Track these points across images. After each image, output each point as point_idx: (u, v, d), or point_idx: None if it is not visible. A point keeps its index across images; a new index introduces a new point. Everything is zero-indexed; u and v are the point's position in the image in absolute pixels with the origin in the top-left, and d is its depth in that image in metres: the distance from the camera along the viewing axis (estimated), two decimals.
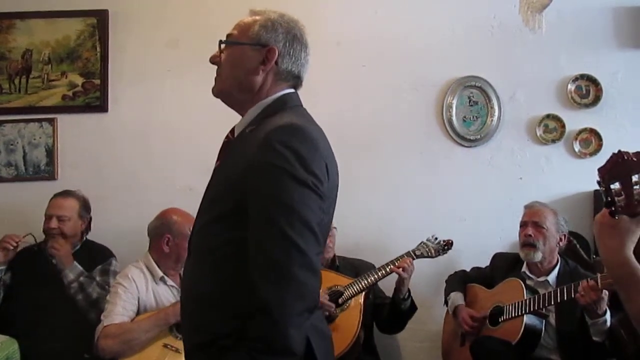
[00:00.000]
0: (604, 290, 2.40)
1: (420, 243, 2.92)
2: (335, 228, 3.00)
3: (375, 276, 2.82)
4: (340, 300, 2.78)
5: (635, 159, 1.18)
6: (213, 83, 1.55)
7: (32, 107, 3.44)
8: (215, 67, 1.56)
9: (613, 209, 1.19)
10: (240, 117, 1.54)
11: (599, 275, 2.42)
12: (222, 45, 1.52)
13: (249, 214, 1.31)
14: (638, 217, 1.19)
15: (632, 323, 1.28)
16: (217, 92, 1.54)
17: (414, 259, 2.84)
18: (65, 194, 3.01)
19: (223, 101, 1.55)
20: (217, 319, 1.36)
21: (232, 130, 1.54)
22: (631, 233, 1.21)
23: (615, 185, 1.19)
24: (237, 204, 1.33)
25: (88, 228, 3.08)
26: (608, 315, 2.46)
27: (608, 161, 1.21)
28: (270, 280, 1.25)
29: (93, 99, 3.44)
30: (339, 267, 3.00)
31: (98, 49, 3.44)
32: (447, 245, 2.92)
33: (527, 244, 2.81)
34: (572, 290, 2.48)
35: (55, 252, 2.83)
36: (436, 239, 2.94)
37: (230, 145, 1.52)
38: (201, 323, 1.39)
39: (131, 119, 3.44)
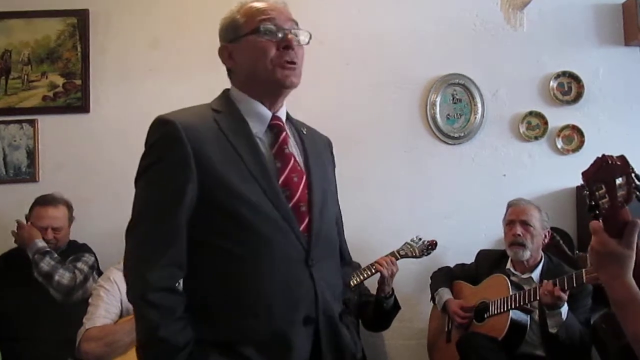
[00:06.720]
0: (564, 293, 2.43)
1: (405, 243, 2.93)
2: None
3: (360, 277, 2.82)
4: None
5: (618, 163, 1.18)
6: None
7: (12, 109, 3.40)
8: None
9: (597, 212, 1.20)
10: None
11: (583, 270, 2.43)
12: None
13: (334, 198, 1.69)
14: (629, 242, 1.20)
15: (614, 320, 1.29)
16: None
17: (397, 259, 2.84)
18: (55, 201, 2.95)
19: (287, 92, 1.53)
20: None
21: (277, 118, 1.53)
22: (626, 258, 1.22)
23: (600, 189, 1.20)
24: None
25: None
26: (564, 309, 2.48)
27: (592, 165, 1.22)
28: None
29: (74, 99, 3.40)
30: None
31: (79, 49, 3.41)
32: (431, 245, 2.93)
33: (517, 243, 2.79)
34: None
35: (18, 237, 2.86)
36: (420, 239, 2.94)
37: (303, 140, 1.59)
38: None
39: (113, 119, 3.41)
